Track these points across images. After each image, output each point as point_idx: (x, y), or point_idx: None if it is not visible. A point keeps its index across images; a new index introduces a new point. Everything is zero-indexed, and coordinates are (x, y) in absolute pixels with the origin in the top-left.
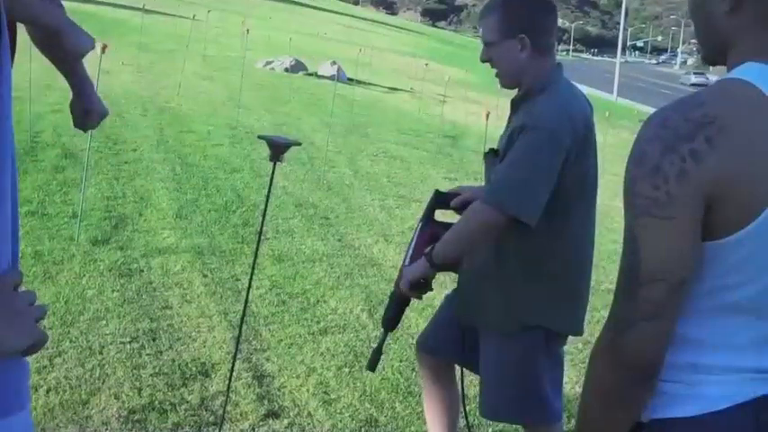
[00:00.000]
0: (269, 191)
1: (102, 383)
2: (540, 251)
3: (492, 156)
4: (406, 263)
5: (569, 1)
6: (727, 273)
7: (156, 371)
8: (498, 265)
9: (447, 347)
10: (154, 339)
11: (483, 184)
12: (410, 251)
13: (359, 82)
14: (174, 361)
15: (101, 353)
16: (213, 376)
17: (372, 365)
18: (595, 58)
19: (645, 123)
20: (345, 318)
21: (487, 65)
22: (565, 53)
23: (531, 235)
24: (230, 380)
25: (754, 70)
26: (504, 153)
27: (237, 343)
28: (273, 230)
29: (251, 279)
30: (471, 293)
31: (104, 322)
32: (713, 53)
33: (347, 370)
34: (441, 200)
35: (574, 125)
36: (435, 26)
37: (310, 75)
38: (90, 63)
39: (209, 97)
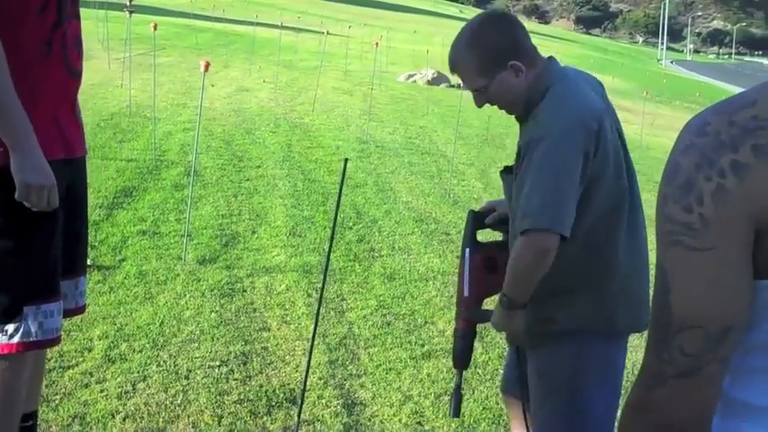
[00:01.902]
0: (340, 192)
1: (183, 411)
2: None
3: (507, 173)
4: (466, 293)
5: (731, 3)
6: None
7: (242, 397)
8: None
9: (515, 386)
10: (245, 363)
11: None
12: (467, 281)
13: None
14: (261, 387)
15: (187, 378)
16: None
17: (456, 411)
18: (762, 60)
19: (682, 129)
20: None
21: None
22: (727, 56)
23: None
24: (300, 408)
25: None
26: (517, 170)
27: (308, 367)
28: (389, 247)
29: (321, 297)
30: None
31: (196, 345)
32: None
33: (447, 398)
34: (478, 220)
35: (583, 121)
36: (589, 34)
37: (452, 86)
38: (194, 81)
39: (344, 112)
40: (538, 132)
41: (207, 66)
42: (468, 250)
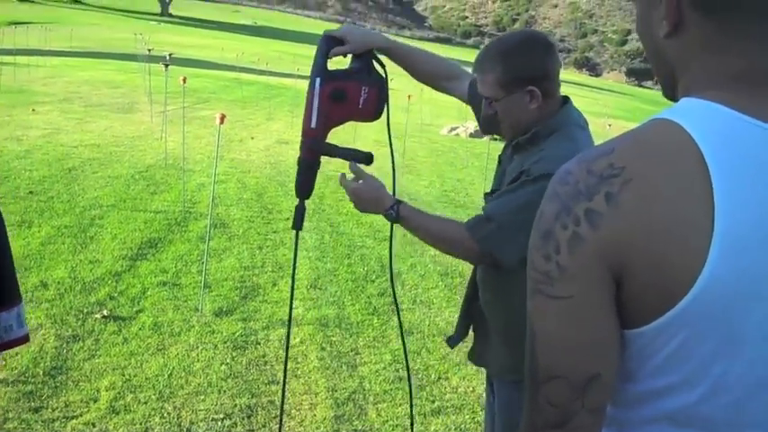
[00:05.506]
0: (296, 243)
1: None
2: None
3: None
4: (313, 125)
5: None
6: (654, 373)
7: None
8: (507, 313)
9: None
10: (249, 417)
11: (368, 28)
12: (314, 112)
13: None
14: None
15: (189, 430)
16: None
17: (299, 224)
18: None
19: (552, 178)
20: (465, 397)
21: None
22: None
23: None
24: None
25: (688, 108)
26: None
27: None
28: (410, 301)
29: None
30: (484, 341)
31: (202, 397)
32: (668, 87)
33: None
34: (332, 46)
35: None
36: (641, 86)
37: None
38: (234, 134)
39: (381, 164)
40: (538, 169)
41: (222, 118)
42: (318, 80)
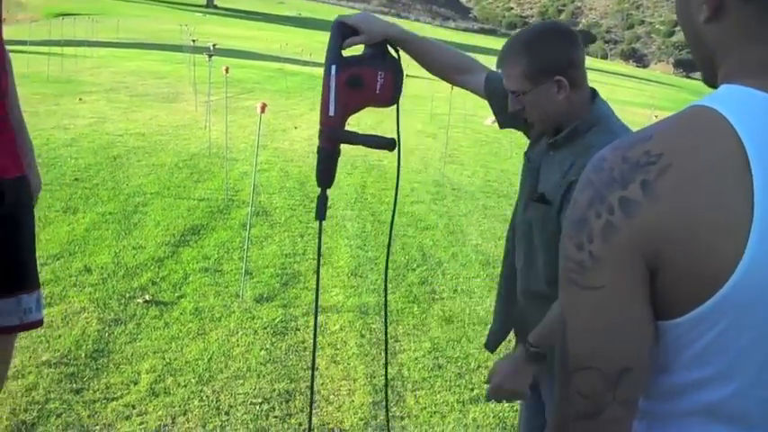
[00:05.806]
0: (320, 232)
1: None
2: None
3: (542, 203)
4: (331, 113)
5: None
6: (690, 365)
7: None
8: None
9: None
10: (287, 401)
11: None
12: (332, 100)
13: None
14: (300, 425)
15: (227, 413)
16: None
17: (322, 214)
18: None
19: (587, 165)
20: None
21: None
22: None
23: None
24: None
25: (727, 94)
26: (561, 204)
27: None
28: (451, 290)
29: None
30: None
31: (241, 381)
32: (708, 73)
33: None
34: (347, 34)
35: None
36: (689, 77)
37: None
38: (277, 124)
39: (424, 155)
40: None
41: (263, 107)
42: (333, 67)
